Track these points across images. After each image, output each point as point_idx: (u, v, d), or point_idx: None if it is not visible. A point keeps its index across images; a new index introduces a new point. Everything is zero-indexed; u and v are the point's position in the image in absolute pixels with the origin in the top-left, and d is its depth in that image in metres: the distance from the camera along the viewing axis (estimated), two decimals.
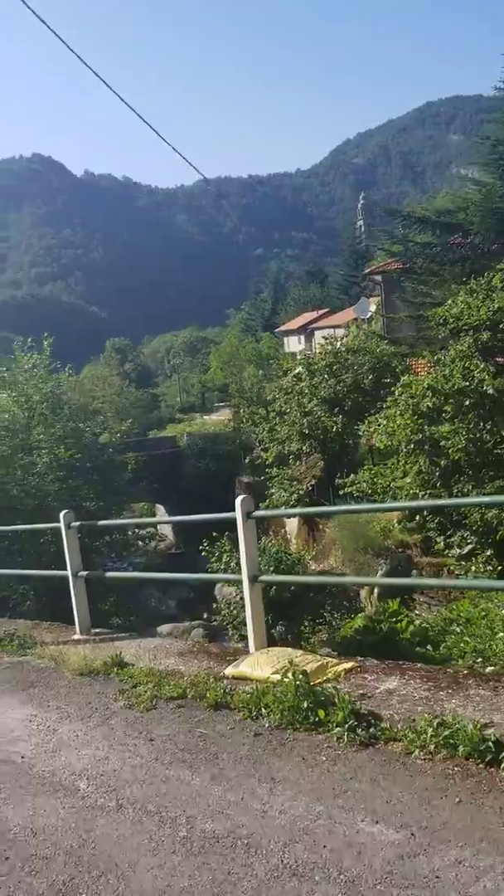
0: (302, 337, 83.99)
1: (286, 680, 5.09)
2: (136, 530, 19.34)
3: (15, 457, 16.05)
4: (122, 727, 5.29)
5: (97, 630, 8.17)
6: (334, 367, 25.17)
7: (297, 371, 25.80)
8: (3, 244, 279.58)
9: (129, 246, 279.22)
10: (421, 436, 17.56)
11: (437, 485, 17.57)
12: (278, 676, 5.30)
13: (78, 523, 8.06)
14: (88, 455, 16.91)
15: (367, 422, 19.81)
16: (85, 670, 6.59)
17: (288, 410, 25.19)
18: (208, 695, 5.47)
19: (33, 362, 17.57)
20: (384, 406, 19.63)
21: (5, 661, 7.43)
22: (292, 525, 27.97)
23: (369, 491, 19.48)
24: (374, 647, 13.97)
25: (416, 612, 18.77)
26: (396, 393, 19.25)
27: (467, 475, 17.31)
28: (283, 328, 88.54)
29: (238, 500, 6.36)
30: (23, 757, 5.02)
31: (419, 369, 25.86)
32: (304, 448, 24.35)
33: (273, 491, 26.78)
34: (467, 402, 16.86)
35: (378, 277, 33.95)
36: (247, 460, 32.41)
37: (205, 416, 68.69)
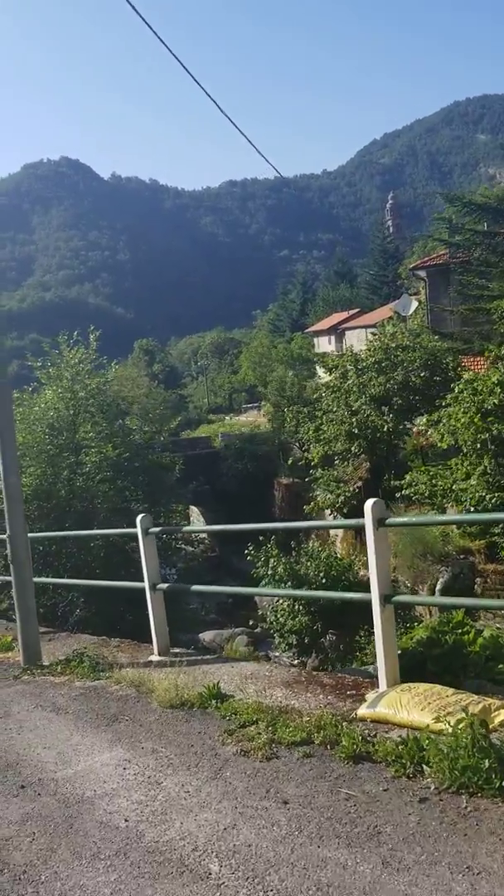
0: (332, 337, 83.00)
1: (459, 730, 4.10)
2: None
3: (62, 456, 15.21)
4: (242, 782, 4.33)
5: (177, 650, 7.24)
6: (383, 364, 24.11)
7: (345, 368, 24.72)
8: (31, 247, 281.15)
9: (155, 248, 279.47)
10: (488, 435, 16.48)
11: None
12: (443, 725, 4.31)
13: (157, 528, 7.13)
14: (136, 454, 16.00)
15: (426, 420, 18.76)
16: (176, 702, 5.65)
17: (335, 409, 24.16)
18: (343, 742, 4.50)
19: (79, 357, 16.72)
20: (444, 403, 18.56)
21: (77, 687, 6.52)
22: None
23: (427, 493, 18.40)
24: (439, 660, 12.93)
25: (481, 622, 17.71)
26: (457, 389, 18.22)
27: None
28: (313, 328, 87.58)
29: (368, 505, 5.36)
30: (126, 820, 4.07)
31: (475, 366, 24.78)
32: (352, 448, 23.30)
33: (318, 493, 25.78)
34: None
35: (422, 273, 32.84)
36: (289, 461, 31.40)
37: (234, 417, 67.76)
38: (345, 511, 24.53)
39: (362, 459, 25.09)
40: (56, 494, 14.22)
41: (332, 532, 27.65)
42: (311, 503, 25.51)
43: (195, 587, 8.38)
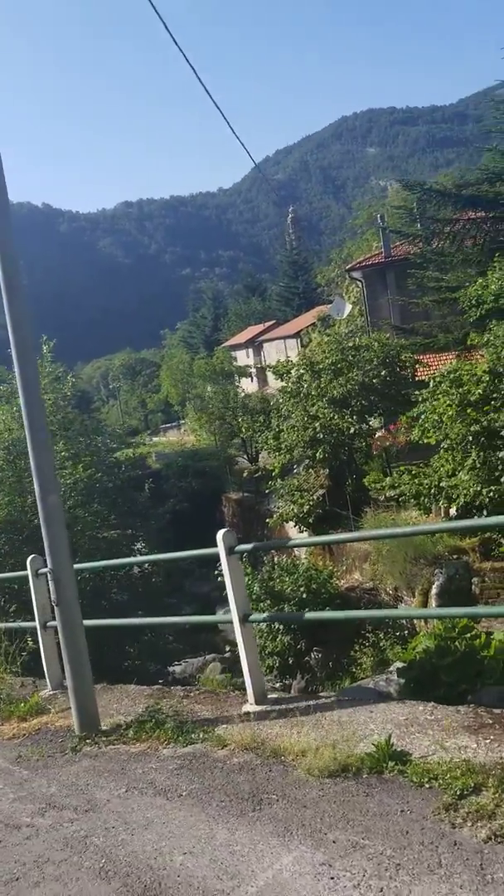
0: (250, 350, 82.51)
1: None
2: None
3: (24, 482, 13.48)
4: None
5: (274, 695, 5.85)
6: (339, 366, 23.20)
7: (300, 372, 23.66)
8: None
9: (52, 272, 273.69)
10: (479, 426, 15.65)
11: (502, 479, 15.65)
12: None
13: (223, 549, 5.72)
14: (106, 473, 14.43)
15: (404, 417, 17.85)
16: (334, 768, 4.30)
17: (294, 414, 23.05)
18: None
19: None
20: (420, 399, 17.69)
21: (168, 757, 5.07)
22: (298, 536, 25.80)
23: (413, 493, 17.45)
24: (452, 669, 11.93)
25: (484, 623, 16.83)
26: (432, 383, 17.43)
27: None
28: (229, 343, 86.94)
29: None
30: None
31: (434, 362, 24.17)
32: (316, 454, 22.20)
33: (281, 504, 24.57)
34: None
35: (358, 274, 32.27)
36: (244, 474, 30.09)
37: (154, 438, 65.97)
38: (310, 521, 23.43)
39: (322, 465, 24.04)
40: (27, 525, 12.52)
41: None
42: (275, 516, 24.28)
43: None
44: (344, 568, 21.41)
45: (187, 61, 7.74)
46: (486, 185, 19.11)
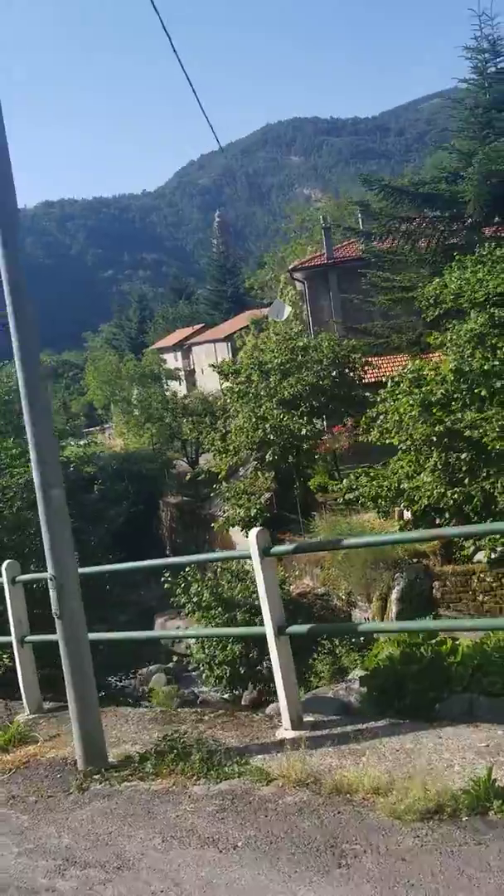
0: (178, 353, 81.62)
1: None
2: None
3: None
4: None
5: (311, 718, 5.11)
6: (288, 366, 22.66)
7: (249, 371, 22.98)
8: None
9: None
10: (442, 427, 15.30)
11: (465, 481, 15.33)
12: None
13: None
14: None
15: (364, 418, 17.36)
16: (423, 807, 3.60)
17: (242, 415, 22.35)
18: None
19: None
20: (379, 399, 17.27)
21: (201, 795, 4.29)
22: (246, 542, 25.09)
23: (373, 495, 16.99)
24: (420, 676, 11.48)
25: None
26: (391, 383, 17.06)
27: (498, 466, 15.14)
28: (156, 345, 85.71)
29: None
30: None
31: (387, 364, 23.86)
32: (266, 456, 21.54)
33: (227, 508, 23.78)
34: (499, 385, 14.75)
35: (300, 275, 31.91)
36: (187, 477, 29.16)
37: (79, 441, 63.96)
38: (258, 525, 22.72)
39: (270, 468, 23.40)
40: None
41: (240, 546, 25.76)
42: (220, 520, 23.47)
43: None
44: (296, 573, 20.81)
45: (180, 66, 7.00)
46: (444, 184, 18.88)
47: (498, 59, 18.75)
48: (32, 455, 4.87)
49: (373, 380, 23.25)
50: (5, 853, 4.06)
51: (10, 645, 6.41)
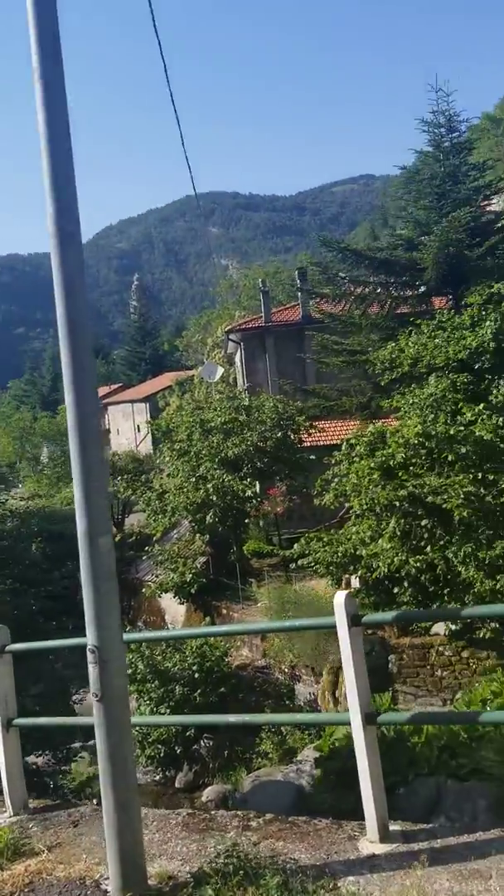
0: None
1: None
2: None
3: None
4: None
5: (396, 827, 4.19)
6: (230, 426, 22.04)
7: (190, 430, 22.18)
8: None
9: None
10: (405, 491, 14.84)
11: (427, 548, 14.82)
12: None
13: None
14: None
15: (318, 481, 16.75)
16: None
17: (180, 474, 21.44)
18: None
19: None
20: (334, 461, 16.76)
21: None
22: (176, 609, 23.84)
23: (328, 562, 16.27)
24: (382, 758, 10.66)
25: (401, 705, 15.68)
26: (344, 446, 16.65)
27: (460, 534, 14.71)
28: None
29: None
30: None
31: (332, 428, 23.51)
32: (206, 518, 20.59)
33: (159, 574, 22.57)
34: (464, 450, 14.46)
35: (236, 336, 31.62)
36: (119, 538, 27.70)
37: None
38: (192, 591, 21.63)
39: (207, 531, 22.40)
40: None
41: (170, 613, 24.45)
42: (153, 586, 22.22)
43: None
44: (237, 643, 19.69)
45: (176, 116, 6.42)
46: (400, 251, 18.97)
47: (453, 134, 19.29)
48: (77, 494, 3.94)
49: (311, 444, 22.89)
50: None
51: None
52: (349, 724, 4.06)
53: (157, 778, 17.70)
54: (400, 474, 14.57)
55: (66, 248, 4.08)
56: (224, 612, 21.48)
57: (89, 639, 3.84)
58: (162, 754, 16.48)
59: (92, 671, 3.82)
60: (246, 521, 23.16)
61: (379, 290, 18.95)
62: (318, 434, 22.50)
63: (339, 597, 4.07)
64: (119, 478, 27.05)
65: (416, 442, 14.73)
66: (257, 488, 20.57)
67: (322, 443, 22.79)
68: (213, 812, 4.96)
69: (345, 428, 22.79)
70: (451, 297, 18.87)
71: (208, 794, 15.12)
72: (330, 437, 23.35)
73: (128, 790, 3.75)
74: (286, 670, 18.76)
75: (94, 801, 6.05)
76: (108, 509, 4.23)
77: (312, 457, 21.44)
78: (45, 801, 5.47)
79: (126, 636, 4.30)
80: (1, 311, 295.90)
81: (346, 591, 4.20)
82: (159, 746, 16.36)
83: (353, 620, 4.00)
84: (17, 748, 5.18)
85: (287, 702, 17.77)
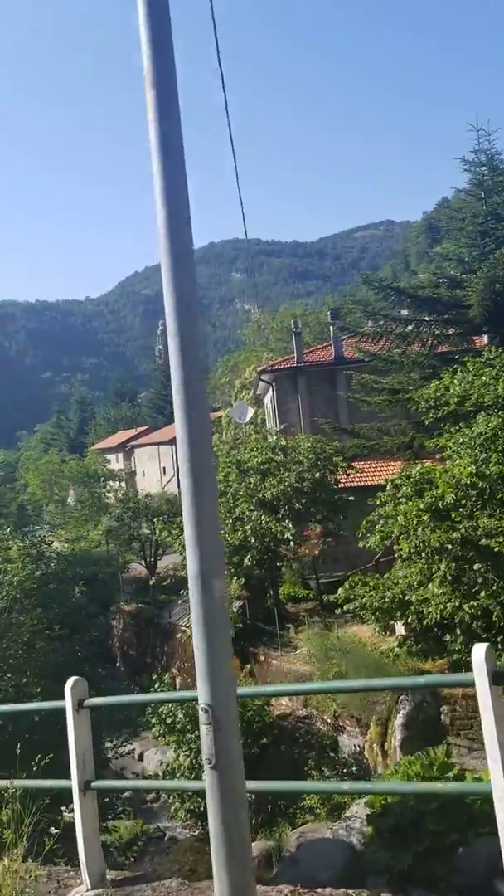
0: (120, 455, 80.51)
1: None
2: None
3: None
4: None
5: None
6: (265, 466, 21.68)
7: (227, 470, 21.88)
8: None
9: None
10: (457, 534, 14.37)
11: (481, 593, 14.25)
12: None
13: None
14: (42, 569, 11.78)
15: (364, 523, 16.30)
16: None
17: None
18: None
19: None
20: (378, 503, 16.30)
21: None
22: None
23: (375, 608, 15.73)
24: (440, 815, 10.01)
25: (454, 760, 14.92)
26: (389, 486, 16.20)
27: None
28: (98, 446, 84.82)
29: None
30: None
31: (372, 469, 23.10)
32: (244, 560, 20.13)
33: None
34: None
35: (268, 377, 31.48)
36: (150, 582, 27.33)
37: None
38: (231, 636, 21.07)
39: (244, 574, 21.91)
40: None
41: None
42: (188, 631, 21.69)
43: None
44: None
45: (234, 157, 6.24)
46: (443, 289, 18.75)
47: (495, 173, 19.21)
48: (188, 531, 3.58)
49: (346, 485, 22.41)
50: None
51: (69, 791, 4.78)
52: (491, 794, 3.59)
53: (197, 833, 17.04)
54: (453, 516, 14.10)
55: (178, 267, 3.78)
56: (262, 658, 20.86)
57: (201, 696, 3.42)
58: (202, 808, 15.84)
59: (205, 734, 3.40)
60: (280, 564, 22.69)
61: (421, 328, 18.70)
62: (354, 475, 22.06)
63: (480, 651, 3.63)
64: (155, 519, 26.75)
65: (467, 482, 14.29)
66: (294, 530, 20.10)
67: (357, 484, 22.35)
68: (318, 890, 4.47)
69: (383, 468, 22.36)
70: (494, 335, 18.55)
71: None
72: (366, 479, 22.90)
73: (244, 873, 3.30)
74: (329, 721, 18.07)
75: (178, 878, 5.54)
76: (222, 548, 3.85)
77: (352, 497, 20.99)
78: (123, 872, 5.00)
79: (240, 690, 3.88)
80: (29, 356, 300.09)
81: (485, 645, 3.73)
82: (199, 800, 15.76)
83: (495, 679, 3.56)
84: (95, 813, 4.74)
85: (331, 754, 17.08)
